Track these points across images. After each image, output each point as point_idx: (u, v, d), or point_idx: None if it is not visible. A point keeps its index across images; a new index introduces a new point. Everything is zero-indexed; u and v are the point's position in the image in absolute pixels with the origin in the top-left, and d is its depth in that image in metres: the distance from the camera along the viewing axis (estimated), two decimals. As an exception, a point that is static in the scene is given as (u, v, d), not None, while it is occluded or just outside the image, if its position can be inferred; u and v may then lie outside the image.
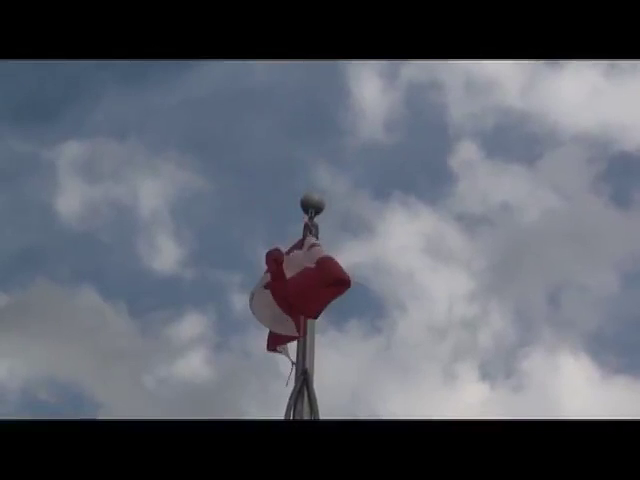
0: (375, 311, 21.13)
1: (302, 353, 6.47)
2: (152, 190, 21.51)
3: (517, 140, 22.86)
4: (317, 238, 6.96)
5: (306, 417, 6.19)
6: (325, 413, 6.24)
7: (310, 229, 6.95)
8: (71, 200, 21.96)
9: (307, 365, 6.40)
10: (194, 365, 20.41)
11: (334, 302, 6.29)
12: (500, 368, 21.18)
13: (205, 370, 20.56)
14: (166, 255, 21.64)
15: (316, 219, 7.04)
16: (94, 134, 21.87)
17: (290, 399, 6.26)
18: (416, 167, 22.21)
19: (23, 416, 18.60)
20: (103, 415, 19.34)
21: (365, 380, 19.34)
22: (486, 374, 20.69)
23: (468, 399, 20.07)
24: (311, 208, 7.03)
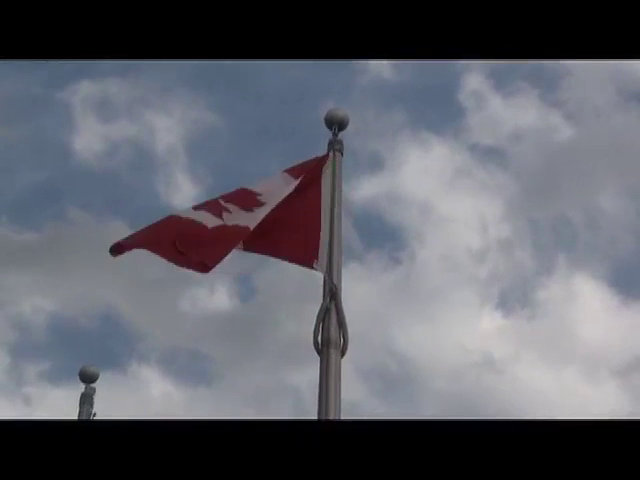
0: (395, 242, 21.20)
1: (329, 271, 6.43)
2: (166, 127, 21.45)
3: (526, 69, 22.69)
4: (342, 155, 6.93)
5: (334, 332, 6.17)
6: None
7: (334, 145, 6.90)
8: (87, 138, 21.97)
9: (335, 281, 6.36)
10: (227, 292, 20.67)
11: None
12: (519, 295, 21.24)
13: (238, 297, 20.80)
14: (185, 191, 21.70)
15: (340, 135, 6.99)
16: (104, 73, 21.79)
17: (318, 315, 6.23)
18: (427, 101, 22.08)
19: (62, 345, 18.93)
20: (142, 341, 19.69)
21: (385, 308, 19.44)
22: (504, 302, 20.76)
23: (484, 327, 20.19)
24: (335, 124, 6.97)
